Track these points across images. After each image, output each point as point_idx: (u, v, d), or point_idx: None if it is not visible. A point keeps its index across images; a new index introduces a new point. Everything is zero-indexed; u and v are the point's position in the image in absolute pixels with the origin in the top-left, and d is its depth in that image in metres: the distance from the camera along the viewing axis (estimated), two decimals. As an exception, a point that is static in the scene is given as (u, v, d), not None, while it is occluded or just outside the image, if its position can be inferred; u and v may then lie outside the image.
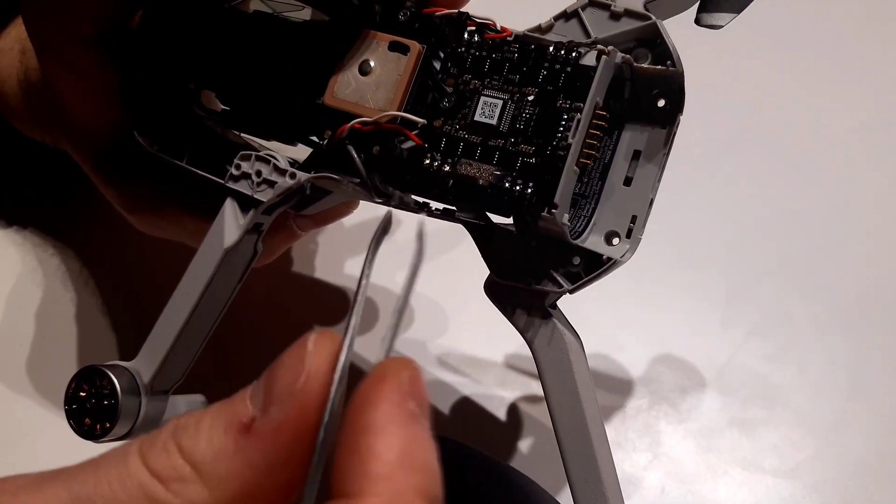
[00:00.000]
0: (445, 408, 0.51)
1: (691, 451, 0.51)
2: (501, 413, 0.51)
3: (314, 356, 0.23)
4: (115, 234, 0.45)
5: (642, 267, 0.54)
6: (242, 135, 0.41)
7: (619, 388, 0.52)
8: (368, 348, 0.52)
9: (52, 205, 0.55)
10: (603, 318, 0.54)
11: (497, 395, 0.51)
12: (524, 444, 0.50)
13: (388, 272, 0.55)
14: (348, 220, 0.57)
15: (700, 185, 0.59)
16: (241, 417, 0.23)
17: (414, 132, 0.35)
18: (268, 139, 0.40)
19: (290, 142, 0.39)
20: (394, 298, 0.54)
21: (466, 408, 0.51)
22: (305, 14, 0.38)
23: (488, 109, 0.35)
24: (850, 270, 0.56)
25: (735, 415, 0.52)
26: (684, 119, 0.58)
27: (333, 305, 0.55)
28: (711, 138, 0.61)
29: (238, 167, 0.37)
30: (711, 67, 0.62)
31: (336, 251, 0.56)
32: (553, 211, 0.33)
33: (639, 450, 0.50)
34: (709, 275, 0.56)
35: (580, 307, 0.53)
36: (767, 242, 0.57)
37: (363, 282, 0.25)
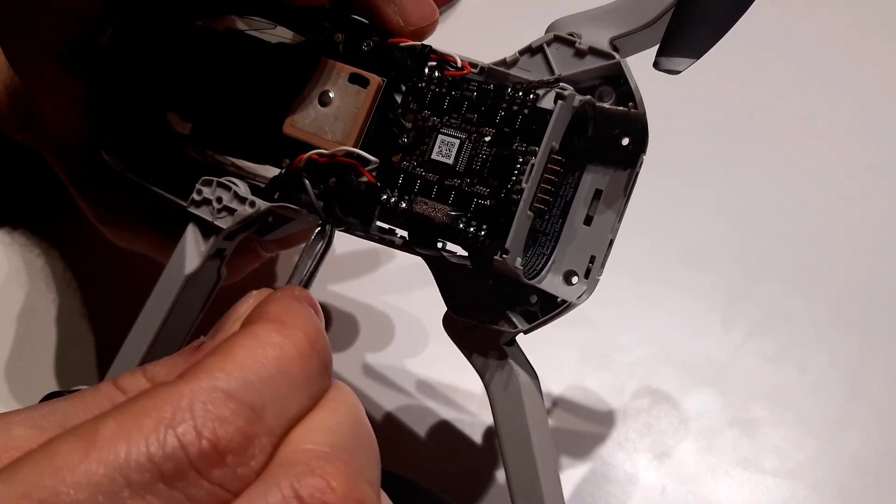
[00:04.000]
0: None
1: (692, 451, 0.49)
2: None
3: (250, 303, 0.27)
4: (101, 239, 0.44)
5: (643, 267, 0.53)
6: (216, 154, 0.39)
7: (619, 388, 0.51)
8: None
9: (42, 207, 0.54)
10: (604, 318, 0.53)
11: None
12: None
13: (373, 292, 0.54)
14: (335, 240, 0.56)
15: (700, 185, 0.58)
16: (195, 345, 0.27)
17: (370, 169, 0.34)
18: (237, 158, 0.38)
19: (258, 162, 0.37)
20: (375, 316, 0.53)
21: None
22: (280, 33, 0.37)
23: (445, 148, 0.33)
24: (850, 270, 0.55)
25: (735, 415, 0.50)
26: (686, 119, 0.57)
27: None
28: (711, 138, 0.59)
29: (199, 192, 0.36)
30: (709, 66, 0.60)
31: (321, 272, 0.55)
32: (504, 256, 0.32)
33: (639, 450, 0.49)
34: (709, 275, 0.54)
35: (581, 307, 0.52)
36: (768, 242, 0.56)
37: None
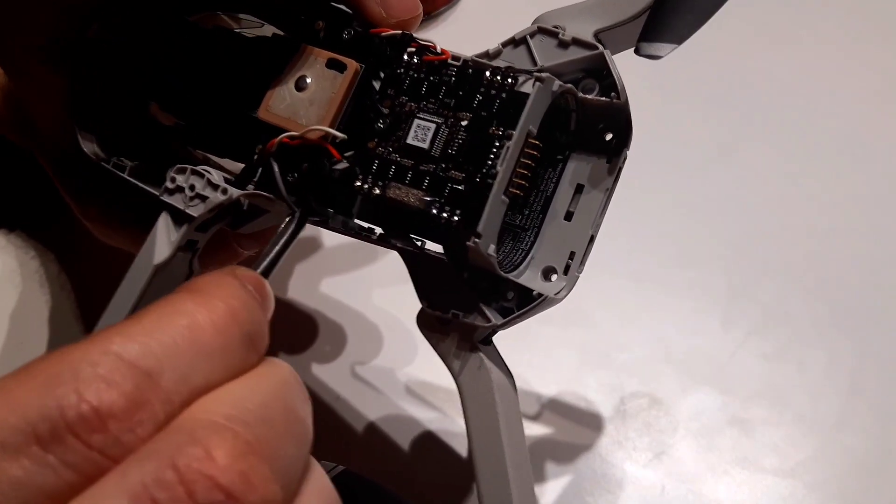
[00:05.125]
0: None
1: (691, 450, 0.48)
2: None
3: None
4: (96, 241, 0.44)
5: (643, 266, 0.53)
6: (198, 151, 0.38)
7: (618, 387, 0.50)
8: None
9: (39, 210, 0.53)
10: (603, 317, 0.52)
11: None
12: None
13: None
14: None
15: (700, 183, 0.57)
16: None
17: (348, 153, 0.33)
18: (220, 156, 0.37)
19: (239, 159, 0.36)
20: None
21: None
22: (267, 31, 0.36)
23: (421, 133, 0.32)
24: (850, 269, 0.54)
25: (735, 414, 0.49)
26: (686, 118, 0.57)
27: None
28: (712, 136, 0.58)
29: (173, 180, 0.35)
30: (710, 63, 0.60)
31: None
32: (477, 241, 0.30)
33: (639, 449, 0.49)
34: (709, 274, 0.53)
35: (581, 306, 0.52)
36: (768, 241, 0.55)
37: None
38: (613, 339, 0.52)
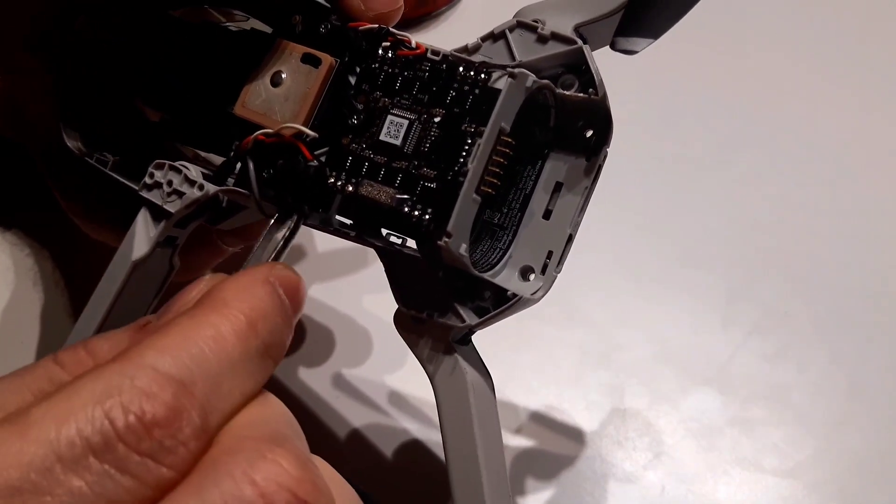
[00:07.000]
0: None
1: (691, 450, 0.47)
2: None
3: (200, 287, 0.27)
4: (88, 237, 0.44)
5: (643, 266, 0.52)
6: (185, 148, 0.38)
7: (619, 386, 0.49)
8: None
9: (33, 206, 0.51)
10: (603, 316, 0.51)
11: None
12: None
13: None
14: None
15: (701, 183, 0.56)
16: (140, 323, 0.26)
17: (307, 142, 0.32)
18: (204, 151, 0.37)
19: (221, 154, 0.35)
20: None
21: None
22: (254, 25, 0.36)
23: (394, 129, 0.31)
24: (850, 269, 0.53)
25: (735, 414, 0.48)
26: (686, 118, 0.56)
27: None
28: (712, 136, 0.57)
29: (151, 176, 0.34)
30: (711, 65, 0.59)
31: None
32: (447, 240, 0.29)
33: (639, 449, 0.48)
34: (709, 274, 0.53)
35: (581, 306, 0.52)
36: (768, 242, 0.54)
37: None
38: (613, 339, 0.51)
